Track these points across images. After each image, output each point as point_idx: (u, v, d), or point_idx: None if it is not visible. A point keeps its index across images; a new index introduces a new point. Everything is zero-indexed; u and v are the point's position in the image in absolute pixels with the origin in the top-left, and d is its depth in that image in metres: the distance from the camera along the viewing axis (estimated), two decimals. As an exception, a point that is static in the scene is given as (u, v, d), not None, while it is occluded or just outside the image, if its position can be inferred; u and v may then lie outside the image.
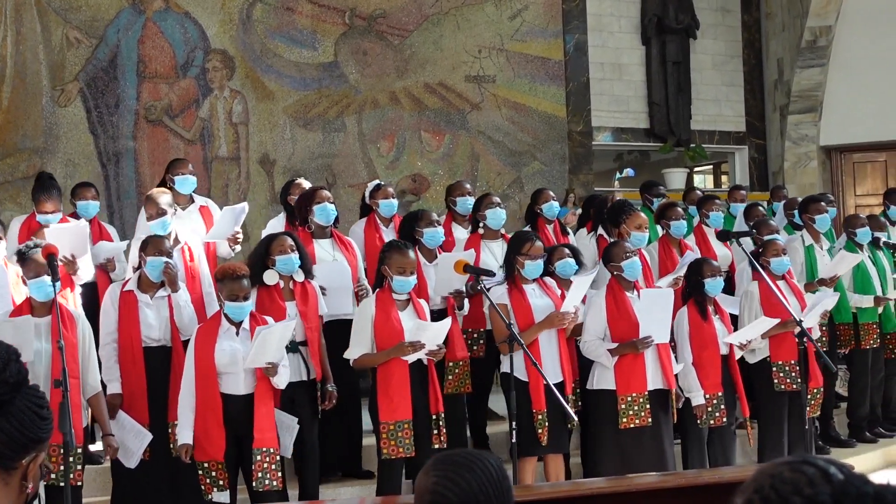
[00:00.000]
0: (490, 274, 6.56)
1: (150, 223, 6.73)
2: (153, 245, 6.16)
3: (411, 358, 6.01)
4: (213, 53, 10.50)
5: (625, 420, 6.38)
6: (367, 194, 7.70)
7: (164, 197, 6.85)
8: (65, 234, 6.66)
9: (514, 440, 5.95)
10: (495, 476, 2.27)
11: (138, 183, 10.03)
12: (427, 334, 5.97)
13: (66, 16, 9.98)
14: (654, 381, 6.45)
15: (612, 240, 7.32)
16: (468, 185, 8.08)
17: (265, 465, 5.61)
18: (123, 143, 10.09)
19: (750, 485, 1.59)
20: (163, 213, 6.71)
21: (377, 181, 7.82)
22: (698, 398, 6.75)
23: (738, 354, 6.99)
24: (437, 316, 6.51)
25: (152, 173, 10.01)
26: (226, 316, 5.78)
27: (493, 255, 7.26)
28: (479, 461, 2.29)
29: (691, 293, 6.88)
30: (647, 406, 6.39)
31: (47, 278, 5.57)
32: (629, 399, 6.39)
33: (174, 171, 7.48)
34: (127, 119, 10.12)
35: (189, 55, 10.42)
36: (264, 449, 5.62)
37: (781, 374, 7.24)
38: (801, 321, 6.86)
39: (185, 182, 7.43)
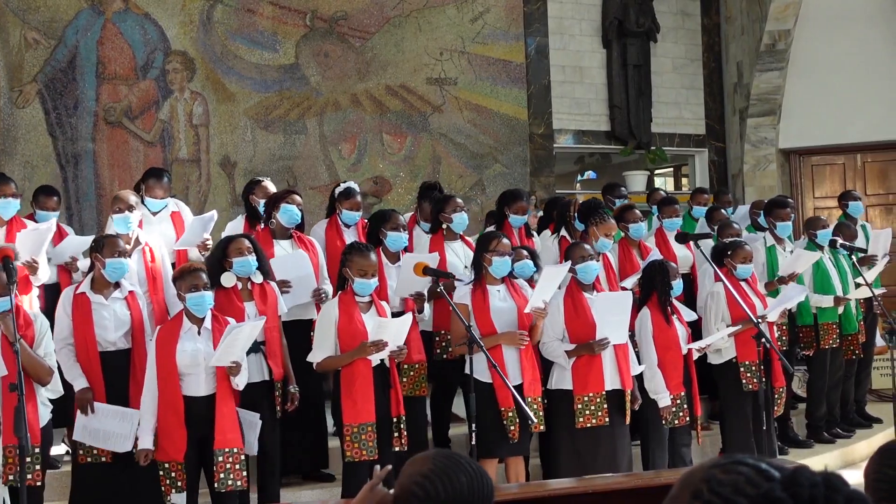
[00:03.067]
0: (449, 276, 6.57)
1: (113, 217, 6.73)
2: (110, 246, 6.11)
3: (375, 359, 6.00)
4: (174, 55, 10.43)
5: (581, 420, 6.41)
6: (335, 194, 7.65)
7: (130, 195, 6.85)
8: (31, 236, 6.63)
9: (472, 442, 5.94)
10: (486, 487, 2.29)
11: (97, 185, 9.95)
12: (388, 332, 5.95)
13: (24, 16, 9.89)
14: (611, 382, 6.48)
15: (571, 240, 7.36)
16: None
17: (228, 466, 5.59)
18: (82, 145, 10.01)
19: (682, 491, 1.58)
20: (126, 209, 6.69)
21: (348, 184, 7.74)
22: (664, 399, 6.79)
23: (696, 356, 7.05)
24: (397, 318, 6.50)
25: (112, 175, 9.95)
26: (187, 314, 5.75)
27: (456, 255, 7.29)
28: (475, 469, 2.31)
29: (656, 294, 6.90)
30: (605, 406, 6.42)
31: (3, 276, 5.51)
32: (586, 399, 6.42)
33: (148, 183, 7.53)
34: (86, 121, 10.04)
35: (149, 56, 10.35)
36: (227, 450, 5.60)
37: (749, 374, 7.29)
38: (758, 323, 6.92)
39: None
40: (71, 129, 9.99)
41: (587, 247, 6.76)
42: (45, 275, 6.82)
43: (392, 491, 2.46)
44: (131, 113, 10.23)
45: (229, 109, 10.61)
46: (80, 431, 5.94)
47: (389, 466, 2.77)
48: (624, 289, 7.32)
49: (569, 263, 6.63)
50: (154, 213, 7.43)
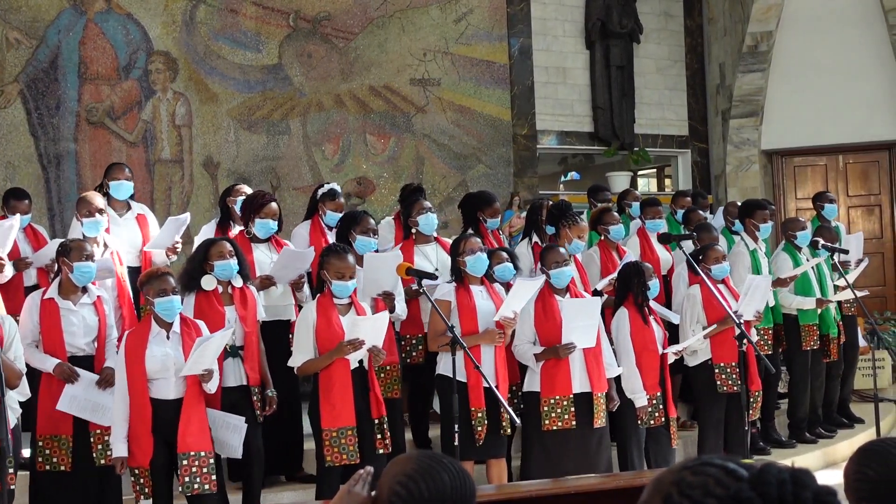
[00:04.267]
0: (432, 277, 6.57)
1: (83, 221, 6.68)
2: (77, 250, 6.06)
3: (353, 362, 5.98)
4: (156, 55, 10.41)
5: (547, 422, 6.41)
6: (317, 194, 7.63)
7: (97, 198, 6.81)
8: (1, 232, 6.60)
9: (455, 442, 5.94)
10: (468, 487, 2.30)
11: (79, 186, 9.91)
12: (363, 328, 5.91)
13: (6, 16, 9.85)
14: (580, 385, 6.47)
15: (544, 244, 7.35)
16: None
17: (193, 469, 5.52)
18: (64, 146, 9.98)
19: (653, 495, 1.58)
20: (96, 212, 6.65)
21: (331, 185, 7.72)
22: (641, 400, 6.81)
23: (671, 358, 7.07)
24: None
25: (94, 176, 9.90)
26: (156, 318, 5.71)
27: (427, 258, 7.25)
28: (458, 468, 2.31)
29: (632, 295, 6.92)
30: (572, 409, 6.42)
31: None
32: (552, 401, 6.43)
33: (109, 176, 7.43)
34: (68, 121, 10.01)
35: (131, 57, 10.32)
36: (192, 453, 5.53)
37: (723, 377, 7.31)
38: (740, 323, 6.93)
39: (120, 187, 7.37)
40: (53, 129, 9.95)
41: (562, 251, 6.75)
42: (9, 273, 6.79)
43: (373, 493, 2.46)
44: (114, 113, 10.19)
45: (212, 110, 10.59)
46: (67, 402, 5.86)
47: (370, 468, 2.76)
48: (595, 291, 7.33)
49: (542, 278, 6.63)
50: (120, 213, 7.36)
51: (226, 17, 10.70)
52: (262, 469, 6.28)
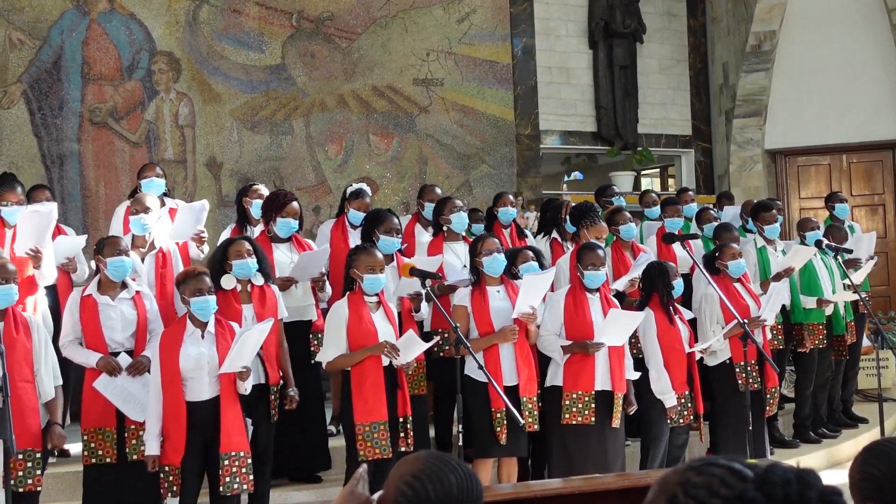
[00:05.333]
0: (436, 277, 6.58)
1: (130, 218, 6.73)
2: (110, 245, 6.09)
3: (384, 360, 6.01)
4: (159, 55, 10.41)
5: (567, 416, 6.42)
6: (346, 193, 7.70)
7: (150, 199, 6.84)
8: (34, 219, 6.53)
9: (460, 443, 5.94)
10: (476, 488, 2.29)
11: (83, 186, 9.92)
12: (413, 347, 6.01)
13: (9, 17, 9.86)
14: (602, 383, 6.48)
15: (562, 242, 7.40)
16: (439, 191, 8.07)
17: (234, 469, 5.55)
18: (68, 146, 9.98)
19: (658, 495, 1.58)
20: (142, 211, 6.68)
21: (359, 185, 7.78)
22: (671, 399, 6.82)
23: (696, 356, 7.08)
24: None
25: (97, 176, 9.92)
26: (191, 318, 5.71)
27: (457, 256, 7.32)
28: (465, 470, 2.31)
29: (658, 295, 6.92)
30: (592, 405, 6.43)
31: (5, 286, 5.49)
32: (574, 396, 6.44)
33: (141, 176, 7.55)
34: (71, 121, 10.01)
35: (134, 57, 10.33)
36: (233, 453, 5.56)
37: (744, 375, 7.31)
38: (745, 323, 6.94)
39: (151, 185, 7.43)
40: (56, 129, 9.96)
41: (600, 253, 6.72)
42: (52, 274, 6.70)
43: (379, 494, 2.45)
44: (117, 113, 10.20)
45: (215, 110, 10.59)
46: (104, 382, 5.88)
47: (365, 467, 2.75)
48: (618, 291, 7.34)
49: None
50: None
51: (229, 18, 10.71)
52: (270, 468, 6.29)
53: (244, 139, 10.68)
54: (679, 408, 6.86)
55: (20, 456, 5.28)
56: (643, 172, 14.28)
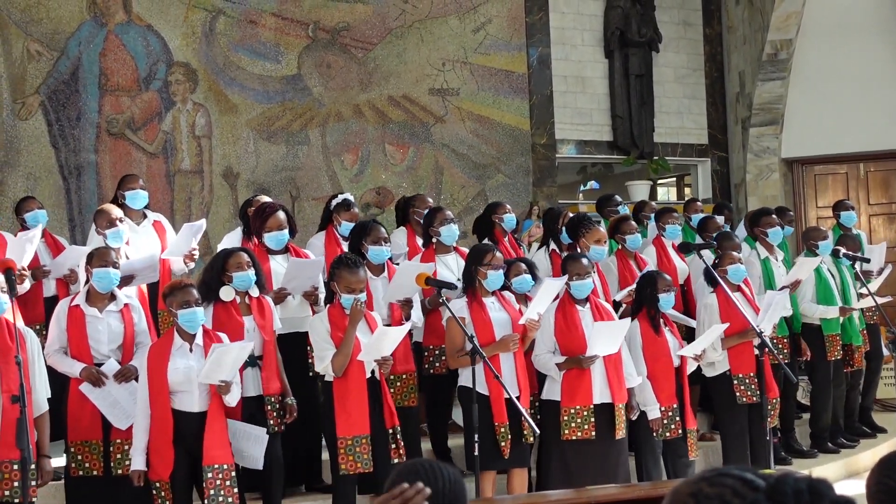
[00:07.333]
0: (452, 287, 6.57)
1: (106, 232, 6.73)
2: (99, 256, 6.12)
3: (367, 369, 5.98)
4: (176, 66, 10.45)
5: (566, 432, 6.41)
6: (331, 205, 7.65)
7: (115, 209, 6.86)
8: (17, 244, 6.63)
9: (476, 453, 5.93)
10: (452, 488, 2.30)
11: (100, 196, 9.95)
12: (387, 339, 5.94)
13: (27, 28, 9.91)
14: (600, 396, 6.46)
15: (565, 253, 7.36)
16: (430, 201, 8.10)
17: (217, 483, 5.53)
18: (85, 157, 10.02)
19: None
20: (117, 222, 6.71)
21: (344, 195, 7.74)
22: (654, 412, 6.79)
23: (691, 367, 7.03)
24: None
25: (114, 187, 9.92)
26: (178, 331, 5.71)
27: (448, 268, 7.26)
28: (440, 470, 2.31)
29: (645, 306, 6.91)
30: (592, 419, 6.40)
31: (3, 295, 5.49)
32: (573, 411, 6.42)
33: (124, 187, 7.50)
34: (88, 132, 10.06)
35: (151, 68, 10.37)
36: (216, 466, 5.54)
37: (742, 387, 7.29)
38: (760, 332, 6.91)
39: (136, 197, 7.42)
40: (73, 140, 10.00)
41: (585, 262, 6.72)
42: (27, 285, 6.78)
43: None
44: (134, 124, 10.24)
45: (232, 120, 10.62)
46: (89, 386, 5.90)
47: (421, 485, 2.38)
48: (615, 303, 7.33)
49: (565, 278, 6.64)
50: (137, 223, 7.40)
51: (245, 29, 10.74)
52: (281, 479, 6.29)
53: (260, 149, 10.70)
54: (665, 420, 6.82)
55: (15, 466, 5.27)
56: (659, 182, 14.25)
